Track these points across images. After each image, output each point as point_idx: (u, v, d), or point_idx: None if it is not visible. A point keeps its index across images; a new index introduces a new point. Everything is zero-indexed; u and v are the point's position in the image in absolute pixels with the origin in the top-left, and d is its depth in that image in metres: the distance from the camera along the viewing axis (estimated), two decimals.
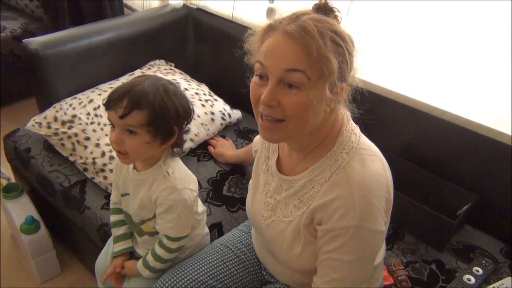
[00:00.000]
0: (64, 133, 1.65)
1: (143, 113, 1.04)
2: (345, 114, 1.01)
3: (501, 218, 1.49)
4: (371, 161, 0.95)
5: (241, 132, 1.88)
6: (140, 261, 1.25)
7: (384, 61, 1.68)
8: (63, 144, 1.65)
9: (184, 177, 1.18)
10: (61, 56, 1.82)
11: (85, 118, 1.67)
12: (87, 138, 1.63)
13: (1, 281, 1.86)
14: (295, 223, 1.02)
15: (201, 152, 1.75)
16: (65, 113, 1.69)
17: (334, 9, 0.92)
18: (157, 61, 2.08)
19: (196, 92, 1.86)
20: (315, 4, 0.92)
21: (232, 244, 1.28)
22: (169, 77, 1.90)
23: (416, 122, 1.59)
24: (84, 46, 1.87)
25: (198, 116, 1.74)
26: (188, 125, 1.16)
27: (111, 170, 1.54)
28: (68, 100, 1.76)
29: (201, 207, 1.30)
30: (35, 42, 1.79)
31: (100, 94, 1.77)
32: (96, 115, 1.69)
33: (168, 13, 2.17)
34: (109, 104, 1.05)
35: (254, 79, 0.93)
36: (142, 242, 1.30)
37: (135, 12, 2.54)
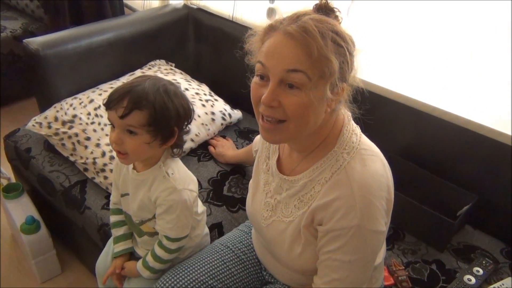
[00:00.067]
0: (64, 133, 1.65)
1: (143, 113, 1.04)
2: (345, 114, 1.01)
3: (501, 218, 1.49)
4: (372, 161, 0.95)
5: (242, 132, 1.88)
6: (140, 261, 1.25)
7: (384, 61, 1.68)
8: (63, 144, 1.65)
9: (184, 178, 1.17)
10: (61, 56, 1.82)
11: (85, 118, 1.67)
12: (88, 138, 1.63)
13: (1, 281, 1.86)
14: (296, 223, 1.02)
15: (202, 152, 1.75)
16: (65, 113, 1.69)
17: (335, 9, 0.92)
18: (157, 61, 2.08)
19: (196, 92, 1.86)
20: (316, 4, 0.92)
21: (233, 244, 1.28)
22: (170, 77, 1.90)
23: (417, 122, 1.59)
24: (85, 46, 1.87)
25: (199, 116, 1.74)
26: (189, 126, 1.16)
27: (111, 170, 1.54)
28: (69, 100, 1.76)
29: (201, 207, 1.30)
30: (35, 42, 1.79)
31: (100, 94, 1.78)
32: (96, 115, 1.69)
33: (169, 13, 2.17)
34: (110, 104, 1.05)
35: (255, 79, 0.93)
36: (141, 243, 1.30)
37: (136, 12, 2.54)
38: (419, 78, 1.62)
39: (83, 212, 1.56)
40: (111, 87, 1.82)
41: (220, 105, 1.87)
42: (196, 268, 1.19)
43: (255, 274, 1.26)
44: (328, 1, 0.92)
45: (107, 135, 1.63)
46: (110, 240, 1.38)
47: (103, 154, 1.59)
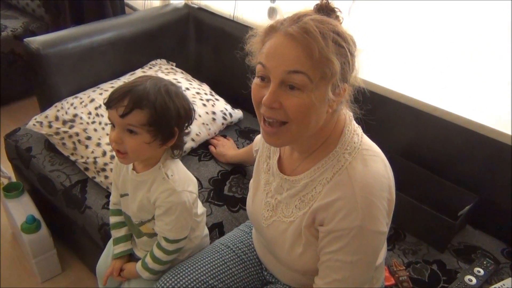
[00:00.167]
0: (65, 132, 1.65)
1: (144, 113, 1.04)
2: (347, 114, 1.01)
3: (502, 219, 1.48)
4: (373, 162, 0.95)
5: (242, 132, 1.88)
6: (139, 262, 1.25)
7: (385, 61, 1.68)
8: (64, 144, 1.65)
9: (183, 179, 1.17)
10: (62, 55, 1.82)
11: (86, 118, 1.67)
12: (88, 138, 1.63)
13: (2, 280, 1.86)
14: (296, 224, 1.02)
15: (202, 152, 1.74)
16: (66, 113, 1.69)
17: (336, 9, 0.92)
18: (158, 61, 2.08)
19: (197, 92, 1.86)
20: (317, 5, 0.92)
21: (233, 244, 1.28)
22: (170, 77, 1.90)
23: (418, 122, 1.59)
24: (85, 46, 1.87)
25: (200, 116, 1.74)
26: (189, 127, 1.16)
27: (112, 170, 1.53)
28: (69, 99, 1.76)
29: (200, 208, 1.30)
30: (36, 41, 1.79)
31: (101, 93, 1.77)
32: (97, 115, 1.69)
33: (170, 12, 2.17)
34: (110, 103, 1.05)
35: (256, 80, 0.93)
36: (140, 244, 1.29)
37: (136, 11, 2.54)
38: (420, 78, 1.62)
39: (83, 212, 1.56)
40: (112, 87, 1.82)
41: (221, 105, 1.87)
42: (196, 268, 1.19)
43: (256, 274, 1.26)
44: (329, 1, 0.92)
45: (107, 134, 1.63)
46: (110, 242, 1.38)
47: (104, 153, 1.59)
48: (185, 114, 1.11)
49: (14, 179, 2.03)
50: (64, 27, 2.07)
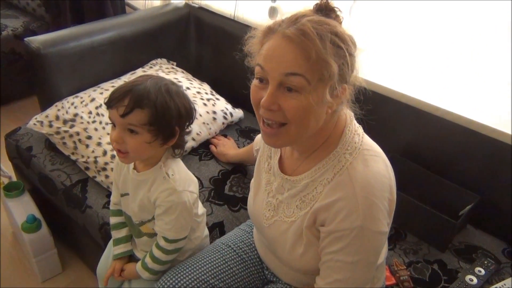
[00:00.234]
0: (65, 131, 1.65)
1: (144, 112, 1.03)
2: (348, 114, 1.00)
3: (503, 219, 1.48)
4: (374, 162, 0.95)
5: (243, 131, 1.88)
6: (139, 263, 1.25)
7: (385, 61, 1.68)
8: (64, 143, 1.65)
9: (184, 179, 1.17)
10: (62, 54, 1.82)
11: (86, 117, 1.67)
12: (89, 137, 1.63)
13: (2, 279, 1.86)
14: (298, 224, 1.02)
15: (203, 151, 1.74)
16: (66, 112, 1.69)
17: (335, 9, 0.91)
18: (158, 60, 2.08)
19: (198, 91, 1.86)
20: (316, 4, 0.92)
21: (234, 243, 1.28)
22: (171, 76, 1.90)
23: (419, 122, 1.58)
24: (86, 45, 1.87)
25: (200, 115, 1.74)
26: (190, 126, 1.16)
27: (112, 169, 1.53)
28: (70, 98, 1.76)
29: (201, 209, 1.30)
30: (36, 40, 1.79)
31: (101, 93, 1.77)
32: (97, 114, 1.68)
33: (170, 12, 2.17)
34: (111, 102, 1.05)
35: (255, 82, 0.93)
36: (140, 244, 1.29)
37: (137, 10, 2.54)
38: (420, 77, 1.62)
39: (84, 211, 1.56)
40: (112, 86, 1.82)
41: (222, 104, 1.87)
42: (197, 267, 1.19)
43: (257, 274, 1.26)
44: (329, 0, 0.91)
45: (108, 134, 1.63)
46: (111, 243, 1.38)
47: (104, 153, 1.59)
48: (186, 113, 1.10)
49: (14, 179, 2.03)
50: (65, 27, 2.07)
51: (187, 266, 1.19)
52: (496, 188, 1.49)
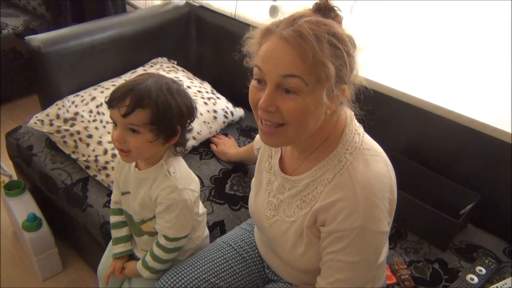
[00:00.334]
0: (66, 130, 1.65)
1: (146, 112, 1.03)
2: (348, 113, 1.00)
3: (504, 218, 1.48)
4: (375, 162, 0.95)
5: (244, 130, 1.88)
6: (140, 261, 1.25)
7: (386, 60, 1.68)
8: (65, 142, 1.65)
9: (185, 177, 1.17)
10: (63, 53, 1.82)
11: (87, 116, 1.67)
12: (90, 136, 1.62)
13: (3, 278, 1.86)
14: (298, 224, 1.02)
15: (204, 150, 1.74)
16: (67, 111, 1.69)
17: (335, 8, 0.91)
18: (159, 59, 2.08)
19: (198, 90, 1.85)
20: (315, 4, 0.91)
21: (235, 242, 1.28)
22: (172, 75, 1.90)
23: (420, 121, 1.58)
24: (87, 44, 1.87)
25: (201, 114, 1.74)
26: (191, 124, 1.16)
27: (113, 168, 1.53)
28: (71, 97, 1.76)
29: (201, 208, 1.30)
30: (37, 39, 1.79)
31: (102, 91, 1.77)
32: (98, 113, 1.68)
33: (171, 10, 2.17)
34: (112, 102, 1.04)
35: (253, 83, 0.93)
36: (141, 244, 1.29)
37: (138, 9, 2.54)
38: (421, 77, 1.62)
39: (85, 210, 1.56)
40: (113, 85, 1.82)
41: (222, 103, 1.86)
42: (198, 266, 1.19)
43: (258, 273, 1.26)
44: (329, 0, 0.91)
45: (109, 132, 1.63)
46: (111, 243, 1.37)
47: (105, 151, 1.59)
48: (187, 111, 1.10)
49: (15, 177, 2.03)
50: (65, 25, 2.07)
51: (188, 265, 1.19)
52: (497, 187, 1.49)
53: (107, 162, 1.57)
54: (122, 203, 1.28)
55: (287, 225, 1.04)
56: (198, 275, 1.17)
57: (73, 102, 1.72)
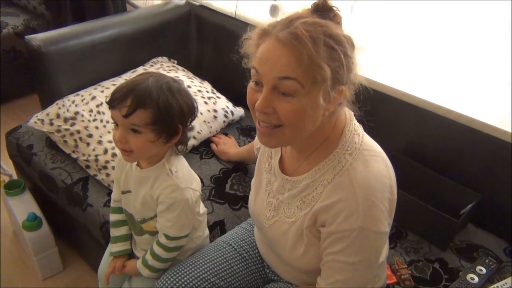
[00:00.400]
0: (66, 130, 1.65)
1: (147, 112, 1.03)
2: (347, 113, 1.00)
3: (504, 217, 1.48)
4: (375, 162, 0.94)
5: (244, 130, 1.88)
6: (140, 260, 1.25)
7: (386, 60, 1.68)
8: (65, 141, 1.65)
9: (187, 176, 1.17)
10: (63, 52, 1.82)
11: (87, 115, 1.67)
12: (90, 135, 1.62)
13: (3, 278, 1.86)
14: (298, 224, 1.01)
15: (204, 150, 1.74)
16: (67, 110, 1.69)
17: (334, 8, 0.90)
18: (159, 58, 2.08)
19: (198, 90, 1.85)
20: (314, 4, 0.90)
21: (235, 242, 1.28)
22: (172, 74, 1.89)
23: (420, 121, 1.58)
24: (87, 43, 1.87)
25: (201, 114, 1.74)
26: (193, 123, 1.16)
27: (113, 168, 1.53)
28: (71, 97, 1.76)
29: (202, 208, 1.30)
30: (37, 38, 1.78)
31: (102, 91, 1.77)
32: (98, 112, 1.68)
33: (171, 10, 2.17)
34: (113, 103, 1.04)
35: (251, 84, 0.93)
36: (141, 243, 1.29)
37: (138, 9, 2.54)
38: (420, 77, 1.62)
39: (85, 210, 1.56)
40: (113, 84, 1.82)
41: (223, 103, 1.86)
42: (198, 266, 1.19)
43: (258, 272, 1.26)
44: (328, 0, 0.90)
45: (109, 132, 1.63)
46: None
47: (105, 151, 1.59)
48: (188, 110, 1.10)
49: (15, 177, 2.03)
50: (65, 25, 2.07)
51: (188, 265, 1.19)
52: (497, 186, 1.49)
53: (107, 162, 1.56)
54: (122, 202, 1.28)
55: (287, 226, 1.04)
56: (198, 274, 1.17)
57: (73, 102, 1.72)
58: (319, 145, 0.98)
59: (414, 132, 1.62)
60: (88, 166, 1.61)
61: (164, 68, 1.98)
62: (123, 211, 1.29)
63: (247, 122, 1.93)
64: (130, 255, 1.33)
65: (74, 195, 1.60)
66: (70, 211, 1.65)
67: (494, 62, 1.47)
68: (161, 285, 1.16)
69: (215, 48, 2.15)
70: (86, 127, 1.64)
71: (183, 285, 1.14)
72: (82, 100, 1.72)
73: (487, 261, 1.37)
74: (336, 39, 0.86)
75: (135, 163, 1.18)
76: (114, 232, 1.33)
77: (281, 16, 0.91)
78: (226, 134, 1.82)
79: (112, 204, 1.33)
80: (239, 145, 1.76)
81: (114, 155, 1.57)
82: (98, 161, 1.57)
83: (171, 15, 2.15)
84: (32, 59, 1.82)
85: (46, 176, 1.69)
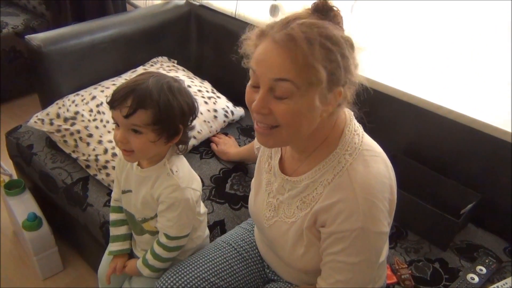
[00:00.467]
0: (66, 130, 1.65)
1: (148, 113, 1.03)
2: (347, 113, 1.00)
3: (505, 217, 1.48)
4: (375, 162, 0.94)
5: (244, 130, 1.88)
6: (140, 259, 1.25)
7: (387, 59, 1.68)
8: (65, 141, 1.65)
9: (187, 176, 1.17)
10: (63, 52, 1.82)
11: (87, 115, 1.67)
12: (90, 135, 1.62)
13: (3, 277, 1.86)
14: (298, 224, 1.01)
15: (204, 150, 1.74)
16: (67, 110, 1.69)
17: (334, 8, 0.89)
18: (159, 58, 2.08)
19: (199, 89, 1.85)
20: (314, 4, 0.90)
21: (235, 242, 1.28)
22: (172, 74, 1.89)
23: (420, 121, 1.58)
24: (87, 43, 1.87)
25: (201, 113, 1.74)
26: (193, 121, 1.16)
27: (113, 167, 1.53)
28: (71, 96, 1.76)
29: (202, 208, 1.30)
30: (37, 38, 1.78)
31: (102, 91, 1.77)
32: (98, 112, 1.68)
33: (171, 10, 2.17)
34: (113, 103, 1.04)
35: (249, 84, 0.93)
36: (141, 243, 1.29)
37: (138, 8, 2.54)
38: (420, 76, 1.61)
39: (85, 209, 1.56)
40: (113, 84, 1.82)
41: (223, 102, 1.86)
42: (198, 266, 1.19)
43: (258, 272, 1.26)
44: (328, 0, 0.89)
45: (109, 132, 1.63)
46: None
47: (105, 151, 1.58)
48: (189, 110, 1.10)
49: (15, 177, 2.03)
50: (65, 24, 2.06)
51: (188, 264, 1.19)
52: (497, 186, 1.49)
53: (107, 161, 1.56)
54: (122, 202, 1.28)
55: (287, 226, 1.04)
56: (198, 274, 1.17)
57: (73, 101, 1.72)
58: (319, 145, 0.98)
59: (414, 132, 1.62)
60: (88, 166, 1.61)
61: (164, 68, 1.98)
62: (123, 210, 1.29)
63: (247, 122, 1.93)
64: (130, 255, 1.33)
65: (74, 195, 1.60)
66: (70, 211, 1.65)
67: (494, 62, 1.47)
68: (161, 284, 1.16)
69: (215, 48, 2.15)
70: (86, 127, 1.64)
71: (182, 285, 1.14)
72: (82, 100, 1.72)
73: (487, 261, 1.37)
74: (333, 40, 0.85)
75: (136, 162, 1.18)
76: (113, 231, 1.33)
77: (281, 16, 0.91)
78: (226, 134, 1.82)
79: (112, 203, 1.33)
80: (239, 145, 1.76)
81: (114, 155, 1.57)
82: (98, 161, 1.57)
83: (171, 15, 2.15)
84: (32, 59, 1.82)
85: (46, 176, 1.69)
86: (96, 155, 1.58)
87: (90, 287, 1.83)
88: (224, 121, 1.83)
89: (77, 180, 1.62)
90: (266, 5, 1.93)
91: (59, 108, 1.70)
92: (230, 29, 2.02)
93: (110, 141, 1.59)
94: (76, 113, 1.67)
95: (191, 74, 2.01)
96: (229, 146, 1.72)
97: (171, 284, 1.15)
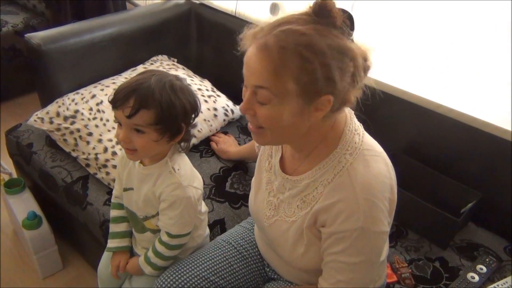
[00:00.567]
0: (66, 128, 1.64)
1: (150, 113, 1.03)
2: (348, 113, 1.00)
3: (505, 216, 1.48)
4: (375, 162, 0.94)
5: (244, 128, 1.88)
6: (142, 257, 1.25)
7: (387, 59, 1.68)
8: (65, 140, 1.65)
9: (189, 175, 1.17)
10: (63, 51, 1.81)
11: (87, 114, 1.67)
12: (90, 134, 1.62)
13: (3, 276, 1.86)
14: (298, 224, 1.01)
15: (204, 148, 1.74)
16: (67, 109, 1.69)
17: (333, 10, 0.85)
18: (159, 57, 2.07)
19: (199, 88, 1.85)
20: (313, 4, 0.87)
21: (235, 240, 1.28)
22: (172, 73, 1.88)
23: (421, 120, 1.58)
24: (87, 41, 1.87)
25: (201, 112, 1.73)
26: (195, 119, 1.16)
27: (113, 166, 1.53)
28: (71, 95, 1.76)
29: (204, 207, 1.30)
30: (37, 36, 1.78)
31: (102, 89, 1.77)
32: (98, 111, 1.68)
33: (171, 8, 2.16)
34: (116, 103, 1.04)
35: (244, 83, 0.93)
36: (142, 241, 1.29)
37: (138, 7, 2.53)
38: (421, 76, 1.61)
39: (85, 208, 1.55)
40: (113, 83, 1.82)
41: (223, 101, 1.86)
42: (198, 264, 1.19)
43: (258, 271, 1.26)
44: (328, 1, 0.85)
45: (109, 130, 1.62)
46: None
47: (105, 149, 1.58)
48: (191, 108, 1.10)
49: (15, 175, 2.03)
50: (65, 23, 2.06)
51: (188, 263, 1.19)
52: (497, 185, 1.49)
53: (107, 160, 1.56)
54: (124, 200, 1.27)
55: (287, 225, 1.04)
56: (198, 273, 1.17)
57: (73, 100, 1.72)
58: (318, 144, 0.98)
59: (414, 131, 1.62)
60: (88, 165, 1.61)
61: (164, 66, 1.98)
62: (123, 207, 1.29)
63: (247, 120, 1.92)
64: (131, 253, 1.33)
65: (74, 193, 1.60)
66: (70, 209, 1.65)
67: (494, 62, 1.47)
68: (161, 283, 1.16)
69: (215, 46, 2.15)
70: (86, 126, 1.64)
71: (182, 283, 1.14)
72: (82, 99, 1.72)
73: (487, 260, 1.37)
74: (314, 49, 0.82)
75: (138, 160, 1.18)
76: (113, 227, 1.33)
77: (280, 15, 0.90)
78: (226, 133, 1.82)
79: (113, 200, 1.34)
80: (239, 144, 1.76)
81: (114, 153, 1.57)
82: (98, 160, 1.57)
83: (171, 13, 2.15)
84: (32, 58, 1.82)
85: (46, 174, 1.69)
86: (96, 154, 1.58)
87: (89, 286, 1.83)
88: (224, 120, 1.83)
89: (77, 178, 1.62)
90: (266, 4, 1.93)
91: (59, 106, 1.70)
92: (230, 27, 2.01)
93: (110, 140, 1.59)
94: (76, 111, 1.67)
95: (191, 73, 2.00)
96: (229, 145, 1.72)
97: (171, 282, 1.15)
